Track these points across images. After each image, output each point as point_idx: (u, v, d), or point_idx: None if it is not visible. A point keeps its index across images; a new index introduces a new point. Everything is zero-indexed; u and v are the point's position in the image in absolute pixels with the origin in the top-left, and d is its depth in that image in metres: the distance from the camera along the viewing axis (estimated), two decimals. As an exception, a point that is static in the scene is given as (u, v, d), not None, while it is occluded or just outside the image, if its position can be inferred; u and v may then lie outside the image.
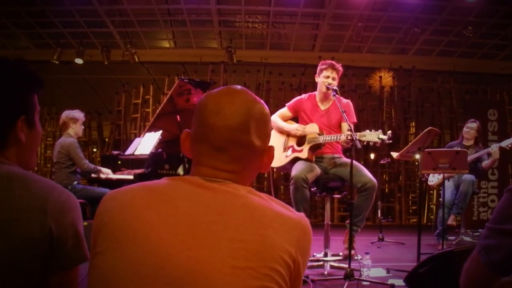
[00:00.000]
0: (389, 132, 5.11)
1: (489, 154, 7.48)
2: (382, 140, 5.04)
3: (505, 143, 7.35)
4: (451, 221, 7.42)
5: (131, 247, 1.31)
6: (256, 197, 1.43)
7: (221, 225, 1.32)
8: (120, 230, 1.34)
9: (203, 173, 1.48)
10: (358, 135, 5.04)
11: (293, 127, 5.75)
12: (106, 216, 1.39)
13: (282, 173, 9.80)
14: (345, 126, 5.51)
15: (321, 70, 5.70)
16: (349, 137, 5.06)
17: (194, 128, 1.53)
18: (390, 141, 5.15)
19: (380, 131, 5.09)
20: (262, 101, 1.57)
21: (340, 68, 5.71)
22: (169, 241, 1.29)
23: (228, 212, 1.35)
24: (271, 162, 1.63)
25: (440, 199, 7.17)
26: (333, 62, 5.73)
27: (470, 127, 7.82)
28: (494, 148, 7.34)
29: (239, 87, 1.57)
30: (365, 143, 5.12)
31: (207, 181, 1.43)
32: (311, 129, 5.62)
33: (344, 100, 5.68)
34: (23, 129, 1.78)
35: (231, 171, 1.49)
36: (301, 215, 1.47)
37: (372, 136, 5.04)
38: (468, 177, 7.28)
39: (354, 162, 5.10)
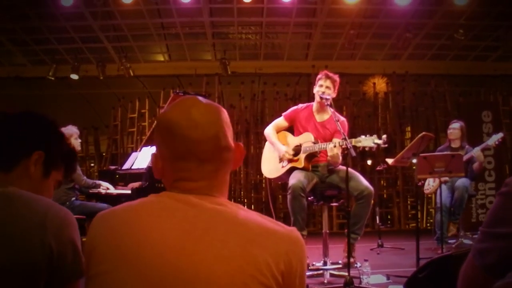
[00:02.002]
0: (384, 136, 5.13)
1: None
2: (378, 144, 5.07)
3: (491, 141, 7.37)
4: (452, 229, 7.44)
5: (122, 271, 1.33)
6: (243, 212, 1.44)
7: (206, 244, 1.33)
8: (110, 254, 1.37)
9: (186, 187, 1.49)
10: (353, 141, 5.06)
11: (282, 149, 5.75)
12: (96, 240, 1.42)
13: (279, 182, 9.80)
14: (334, 142, 5.50)
15: (317, 80, 5.74)
16: (335, 151, 5.10)
17: (169, 148, 1.52)
18: (386, 145, 5.17)
19: (375, 136, 5.12)
20: (220, 106, 1.60)
21: (336, 78, 5.71)
22: (158, 263, 1.31)
23: (213, 229, 1.36)
24: (242, 157, 1.65)
25: (436, 206, 7.17)
26: (328, 72, 5.77)
27: (453, 128, 7.78)
28: (476, 152, 7.33)
29: (199, 97, 1.59)
30: (360, 148, 5.15)
31: (192, 196, 1.45)
32: (306, 138, 5.64)
33: (341, 118, 5.69)
34: (36, 165, 1.88)
35: (213, 178, 1.52)
36: (292, 229, 1.47)
37: (367, 141, 5.06)
38: (461, 182, 7.27)
39: (350, 169, 5.12)
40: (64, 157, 2.01)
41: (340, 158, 5.42)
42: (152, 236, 1.35)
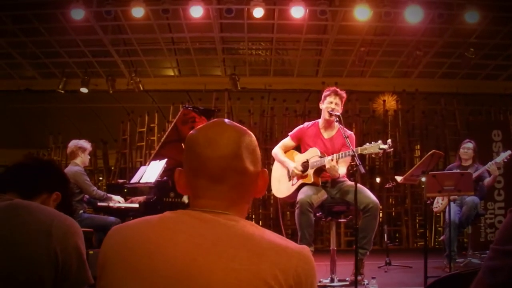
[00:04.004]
0: (389, 140, 5.15)
1: (489, 173, 7.42)
2: (384, 149, 5.07)
3: (500, 158, 7.32)
4: None
5: (133, 282, 1.36)
6: (254, 228, 1.45)
7: (216, 256, 1.34)
8: (122, 265, 1.39)
9: (202, 205, 1.50)
10: (359, 150, 5.09)
11: (291, 166, 5.74)
12: (109, 251, 1.45)
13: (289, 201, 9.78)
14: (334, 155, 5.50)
15: (325, 97, 5.72)
16: (352, 163, 5.07)
17: (187, 164, 1.55)
18: (391, 149, 5.18)
19: (380, 141, 5.14)
20: (247, 130, 1.61)
21: (344, 95, 5.72)
22: (168, 274, 1.34)
23: (223, 242, 1.38)
24: (266, 185, 1.64)
25: (445, 222, 7.12)
26: (336, 88, 5.76)
27: (467, 148, 7.74)
28: (491, 166, 7.29)
29: (226, 120, 1.61)
30: (370, 160, 5.14)
31: (206, 213, 1.46)
32: (312, 153, 5.63)
33: (348, 132, 5.68)
34: (54, 202, 2.07)
35: (229, 200, 1.52)
36: (302, 246, 1.47)
37: (373, 148, 5.09)
38: (470, 199, 7.23)
39: (358, 184, 5.11)
40: (65, 209, 2.12)
41: (339, 171, 5.41)
42: (163, 248, 1.38)
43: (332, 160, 5.29)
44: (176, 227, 1.42)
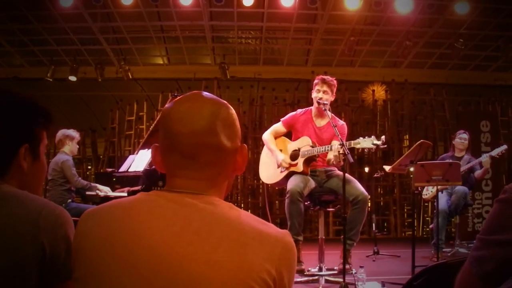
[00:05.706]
0: (383, 137, 5.08)
1: (481, 164, 7.46)
2: (377, 145, 5.03)
3: (495, 152, 7.35)
4: None
5: (112, 271, 1.30)
6: (235, 212, 1.40)
7: (198, 247, 1.29)
8: (97, 255, 1.33)
9: (177, 185, 1.45)
10: (352, 143, 5.04)
11: (279, 158, 5.68)
12: (83, 240, 1.39)
13: (277, 188, 9.77)
14: (335, 143, 5.46)
15: (314, 85, 5.69)
16: (340, 151, 5.03)
17: (161, 140, 1.49)
18: (385, 146, 5.14)
19: (373, 137, 5.08)
20: (226, 103, 1.54)
21: (333, 82, 5.66)
22: (149, 264, 1.28)
23: (205, 231, 1.32)
24: (245, 161, 1.58)
25: (435, 211, 7.16)
26: (324, 76, 5.71)
27: (464, 138, 7.81)
28: (484, 158, 7.33)
29: (204, 93, 1.54)
30: (359, 150, 5.11)
31: (183, 195, 1.41)
32: (304, 142, 5.61)
33: (340, 122, 5.64)
34: (26, 158, 1.81)
35: (206, 179, 1.46)
36: (284, 232, 1.43)
37: (366, 142, 5.03)
38: (460, 189, 7.27)
39: (347, 175, 5.09)
40: (46, 125, 1.90)
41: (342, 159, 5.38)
42: (142, 235, 1.31)
43: (340, 146, 5.18)
44: (152, 212, 1.36)
